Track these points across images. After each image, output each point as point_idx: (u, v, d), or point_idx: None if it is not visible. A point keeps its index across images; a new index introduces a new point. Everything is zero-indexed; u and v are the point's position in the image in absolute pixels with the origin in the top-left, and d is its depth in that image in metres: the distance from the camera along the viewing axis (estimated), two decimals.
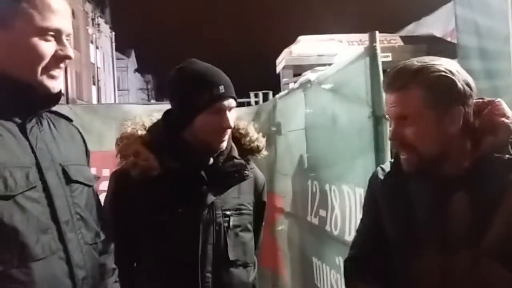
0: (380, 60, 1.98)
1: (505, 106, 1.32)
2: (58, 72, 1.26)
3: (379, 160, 1.92)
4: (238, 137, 1.87)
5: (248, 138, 1.87)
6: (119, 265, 1.48)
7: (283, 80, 6.34)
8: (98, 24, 33.20)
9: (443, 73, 1.27)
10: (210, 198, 1.69)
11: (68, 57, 1.25)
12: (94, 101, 28.93)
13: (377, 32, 2.01)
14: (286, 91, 3.80)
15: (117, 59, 41.68)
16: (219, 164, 1.73)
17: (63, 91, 1.33)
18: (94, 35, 30.55)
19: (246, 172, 1.78)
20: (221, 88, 1.66)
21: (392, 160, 1.48)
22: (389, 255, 1.43)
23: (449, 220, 1.28)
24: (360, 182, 2.07)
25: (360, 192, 2.08)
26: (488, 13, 3.21)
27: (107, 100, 32.97)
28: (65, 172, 1.27)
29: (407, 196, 1.39)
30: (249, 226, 1.80)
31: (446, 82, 1.26)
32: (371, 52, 1.99)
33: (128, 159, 1.68)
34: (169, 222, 1.65)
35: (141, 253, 1.70)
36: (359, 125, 2.07)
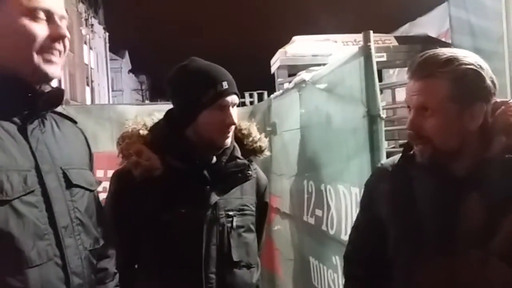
0: (375, 59, 1.99)
1: None
2: (56, 57, 1.20)
3: (374, 160, 1.93)
4: (240, 138, 1.86)
5: (251, 139, 1.86)
6: (119, 267, 1.47)
7: (278, 80, 6.33)
8: (92, 25, 33.05)
9: (472, 67, 1.23)
10: (214, 198, 1.68)
11: (62, 36, 1.20)
12: (88, 102, 28.79)
13: (371, 32, 2.02)
14: (281, 91, 3.80)
15: (111, 59, 41.54)
16: (222, 164, 1.72)
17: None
18: (87, 36, 30.40)
19: (250, 172, 1.78)
20: (225, 84, 1.66)
21: (401, 154, 1.44)
22: (388, 252, 1.41)
23: (457, 219, 1.26)
24: (356, 181, 2.08)
25: (356, 192, 2.08)
26: (482, 13, 3.23)
27: (101, 101, 32.83)
28: (65, 176, 1.23)
29: (414, 192, 1.36)
30: (252, 227, 1.79)
31: (474, 76, 1.23)
32: (365, 52, 1.99)
33: (130, 159, 1.66)
34: (172, 222, 1.63)
35: (143, 253, 1.68)
36: (354, 125, 2.07)
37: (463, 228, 1.25)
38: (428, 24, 7.08)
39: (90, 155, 1.45)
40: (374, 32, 2.07)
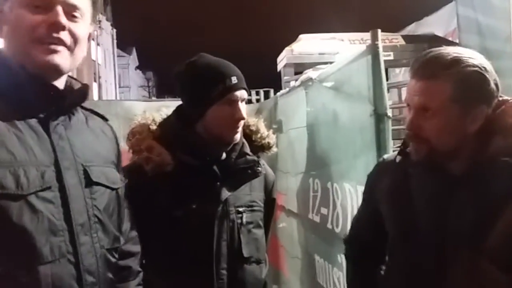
0: (382, 58, 1.98)
1: None
2: (59, 46, 1.17)
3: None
4: (249, 134, 1.86)
5: (259, 135, 1.86)
6: None
7: (284, 78, 6.33)
8: (99, 21, 33.13)
9: (477, 69, 1.20)
10: (224, 194, 1.68)
11: (57, 23, 1.15)
12: (95, 98, 28.83)
13: (379, 30, 2.02)
14: (287, 89, 3.80)
15: (118, 56, 41.59)
16: (231, 160, 1.72)
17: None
18: (95, 32, 30.43)
19: (259, 168, 1.78)
20: (234, 79, 1.66)
21: (398, 151, 1.44)
22: (386, 246, 1.46)
23: (448, 218, 1.25)
24: (362, 180, 2.07)
25: (362, 190, 2.08)
26: (490, 12, 3.21)
27: (108, 97, 32.91)
28: (86, 173, 1.22)
29: (411, 190, 1.36)
30: (261, 223, 1.80)
31: (479, 79, 1.20)
32: (373, 50, 1.99)
33: (141, 154, 1.66)
34: (183, 218, 1.63)
35: (153, 249, 1.66)
36: (361, 123, 2.07)
37: (453, 227, 1.24)
38: (435, 24, 7.05)
39: (118, 153, 1.43)
40: (381, 31, 2.06)
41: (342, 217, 2.34)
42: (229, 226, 1.68)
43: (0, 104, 1.12)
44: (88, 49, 1.33)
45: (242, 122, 1.73)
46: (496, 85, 1.23)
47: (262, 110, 4.00)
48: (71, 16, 1.19)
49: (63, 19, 1.16)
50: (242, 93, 1.70)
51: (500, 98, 1.28)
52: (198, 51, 1.82)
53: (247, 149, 1.79)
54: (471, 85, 1.21)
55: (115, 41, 39.62)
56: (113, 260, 1.28)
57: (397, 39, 6.17)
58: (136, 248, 1.46)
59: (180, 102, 1.84)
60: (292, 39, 7.36)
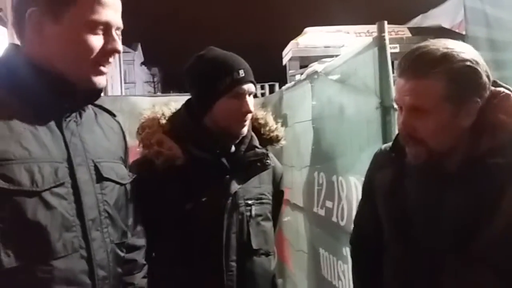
0: (389, 50, 1.97)
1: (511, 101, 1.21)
2: (106, 67, 1.24)
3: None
4: (257, 127, 1.87)
5: (267, 128, 1.88)
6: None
7: (290, 72, 6.32)
8: None
9: (468, 63, 1.16)
10: (234, 187, 1.69)
11: (117, 51, 1.23)
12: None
13: (385, 22, 2.00)
14: (292, 82, 3.79)
15: (124, 52, 41.56)
16: (241, 153, 1.74)
17: None
18: None
19: (268, 161, 1.79)
20: (241, 72, 1.67)
21: (391, 146, 1.41)
22: (383, 242, 1.44)
23: (442, 219, 1.23)
24: None
25: None
26: (498, 4, 3.17)
27: (114, 93, 32.92)
28: (97, 169, 1.24)
29: (404, 187, 1.33)
30: (269, 215, 1.81)
31: (471, 74, 1.16)
32: (380, 43, 1.97)
33: (152, 148, 1.67)
34: (194, 210, 1.65)
35: (163, 242, 1.69)
36: (367, 116, 2.06)
37: (444, 227, 1.22)
38: (441, 15, 6.99)
39: (126, 148, 1.46)
40: (387, 23, 2.05)
41: (347, 210, 2.33)
42: (238, 219, 1.70)
43: (15, 101, 1.14)
44: None
45: (249, 116, 1.74)
46: (488, 76, 1.19)
47: (267, 104, 3.99)
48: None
49: (120, 47, 1.24)
50: (249, 87, 1.71)
51: (492, 88, 1.23)
52: (202, 46, 1.83)
53: (256, 142, 1.79)
54: (463, 81, 1.16)
55: (120, 37, 39.64)
56: (121, 254, 1.30)
57: (403, 31, 6.12)
58: (141, 241, 1.48)
59: (185, 97, 1.85)
60: (297, 32, 7.33)
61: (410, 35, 5.95)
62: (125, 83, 40.50)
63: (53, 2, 1.16)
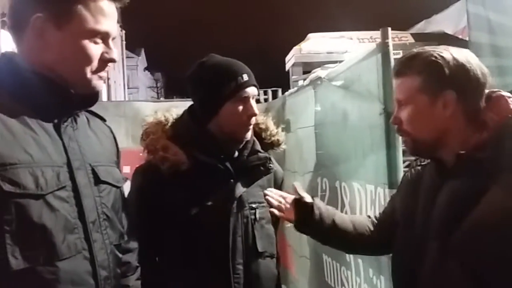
0: (392, 56, 1.97)
1: (503, 101, 1.28)
2: (103, 74, 1.28)
3: (390, 157, 1.91)
4: (258, 132, 1.90)
5: (268, 132, 1.90)
6: (144, 260, 1.51)
7: (293, 78, 6.34)
8: None
9: (432, 58, 1.30)
10: (239, 191, 1.72)
11: (113, 60, 1.28)
12: (104, 99, 28.99)
13: (389, 29, 2.00)
14: (295, 88, 3.79)
15: (127, 57, 41.75)
16: (244, 157, 1.77)
17: None
18: None
19: (271, 165, 1.83)
20: (245, 76, 1.71)
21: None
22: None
23: (432, 208, 1.32)
24: (371, 179, 2.06)
25: (371, 189, 2.06)
26: (501, 10, 3.18)
27: (117, 98, 33.06)
28: (94, 173, 1.27)
29: (419, 177, 1.45)
30: (272, 218, 1.83)
31: (436, 67, 1.29)
32: (383, 49, 1.97)
33: (157, 154, 1.69)
34: (200, 215, 1.67)
35: (169, 247, 1.70)
36: (370, 122, 2.06)
37: (434, 217, 1.31)
38: (444, 21, 6.99)
39: (118, 152, 1.49)
40: (391, 29, 2.05)
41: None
42: (243, 222, 1.72)
43: (15, 105, 1.17)
44: None
45: (254, 119, 1.77)
46: (469, 72, 1.28)
47: (270, 110, 3.99)
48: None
49: (117, 57, 1.30)
50: (253, 90, 1.74)
51: (490, 92, 1.32)
52: (205, 51, 1.85)
53: (258, 147, 1.82)
54: (431, 73, 1.30)
55: (124, 42, 39.81)
56: (119, 255, 1.33)
57: (406, 37, 6.13)
58: (134, 244, 1.50)
59: (188, 103, 1.86)
60: (300, 38, 7.35)
61: (413, 41, 5.95)
62: (128, 88, 40.63)
63: (59, 10, 1.19)
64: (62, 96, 1.22)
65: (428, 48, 1.36)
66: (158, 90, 51.71)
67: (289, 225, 3.55)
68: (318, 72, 3.11)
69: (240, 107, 1.71)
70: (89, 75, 1.23)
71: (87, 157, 1.26)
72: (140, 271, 1.50)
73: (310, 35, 7.27)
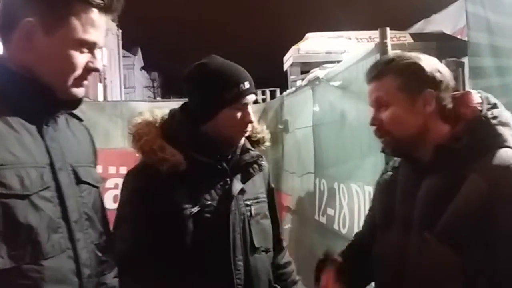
0: None
1: (471, 96, 1.40)
2: (85, 82, 1.29)
3: (388, 158, 1.89)
4: None
5: (254, 130, 1.92)
6: (137, 261, 1.57)
7: (291, 78, 6.32)
8: None
9: (411, 60, 1.40)
10: (235, 189, 1.74)
11: (98, 70, 1.30)
12: (101, 98, 28.91)
13: (387, 29, 2.00)
14: (293, 88, 3.78)
15: (124, 57, 41.75)
16: (237, 156, 1.79)
17: None
18: None
19: (263, 162, 1.86)
20: (247, 84, 1.72)
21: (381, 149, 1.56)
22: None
23: (412, 204, 1.39)
24: (370, 180, 2.05)
25: (369, 190, 2.05)
26: (500, 10, 3.16)
27: (113, 98, 32.92)
28: (75, 173, 1.29)
29: (394, 179, 1.52)
30: (267, 213, 1.87)
31: (415, 67, 1.39)
32: (382, 49, 1.97)
33: (155, 155, 1.68)
34: (201, 214, 1.68)
35: (170, 247, 1.69)
36: (369, 123, 2.04)
37: (417, 211, 1.38)
38: (443, 21, 6.98)
39: (95, 152, 1.51)
40: (389, 29, 2.04)
41: (348, 218, 2.32)
42: (241, 219, 1.75)
43: (1, 107, 1.18)
44: None
45: (250, 126, 1.79)
46: (439, 71, 1.40)
47: (268, 110, 3.98)
48: None
49: (101, 66, 1.33)
50: (252, 97, 1.77)
51: (460, 91, 1.46)
52: (203, 51, 1.83)
53: (248, 145, 1.85)
54: (410, 73, 1.39)
55: (120, 42, 39.78)
56: (99, 254, 1.35)
57: (405, 37, 6.10)
58: (111, 243, 1.51)
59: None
60: (299, 38, 7.34)
61: (412, 41, 5.91)
62: (125, 88, 40.61)
63: (50, 16, 1.20)
64: (45, 98, 1.23)
65: (402, 53, 1.47)
66: (154, 90, 51.71)
67: (286, 226, 3.55)
68: (316, 72, 3.10)
69: (239, 114, 1.71)
70: (70, 82, 1.25)
71: (68, 158, 1.28)
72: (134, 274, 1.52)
73: (308, 35, 7.25)
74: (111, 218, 3.40)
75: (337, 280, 1.52)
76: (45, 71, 1.22)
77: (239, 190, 1.76)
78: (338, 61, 3.32)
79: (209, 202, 1.70)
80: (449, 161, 1.33)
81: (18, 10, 1.20)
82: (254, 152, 1.84)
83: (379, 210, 1.57)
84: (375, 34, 2.05)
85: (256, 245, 1.78)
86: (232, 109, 1.70)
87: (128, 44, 45.41)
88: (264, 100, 4.47)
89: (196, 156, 1.69)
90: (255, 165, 1.83)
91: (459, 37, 5.86)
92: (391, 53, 1.52)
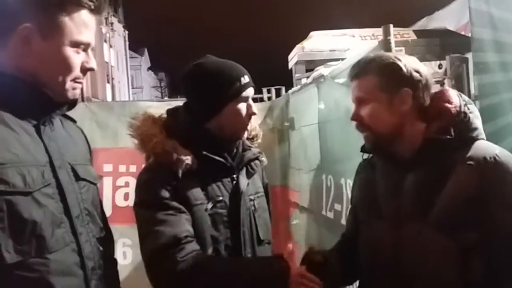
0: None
1: (450, 93, 1.50)
2: (81, 82, 1.35)
3: None
4: None
5: (249, 128, 1.95)
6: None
7: (296, 76, 6.32)
8: (112, 23, 33.38)
9: (390, 60, 1.49)
10: (243, 185, 1.80)
11: (93, 69, 1.35)
12: (109, 99, 29.01)
13: (391, 26, 2.02)
14: (298, 86, 3.81)
15: (131, 57, 41.86)
16: (240, 153, 1.84)
17: None
18: (107, 34, 30.72)
19: (263, 159, 1.92)
20: (246, 77, 1.77)
21: (361, 148, 1.65)
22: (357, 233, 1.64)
23: (400, 197, 1.47)
24: None
25: None
26: (504, 5, 3.17)
27: (121, 98, 33.08)
28: (74, 171, 1.35)
29: (372, 177, 1.62)
30: (266, 206, 1.94)
31: (394, 67, 1.48)
32: (385, 46, 2.00)
33: (170, 156, 1.68)
34: (213, 210, 1.72)
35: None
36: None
37: (405, 205, 1.46)
38: (446, 18, 6.95)
39: (90, 152, 1.58)
40: (392, 26, 2.06)
41: None
42: (247, 214, 1.80)
43: (1, 109, 1.23)
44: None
45: (253, 118, 1.83)
46: (417, 71, 1.49)
47: (274, 108, 4.01)
48: None
49: (95, 66, 1.37)
50: (252, 90, 1.81)
51: (438, 90, 1.55)
52: (209, 50, 1.85)
53: (247, 142, 1.90)
54: (389, 72, 1.48)
55: (127, 42, 39.86)
56: (101, 248, 1.40)
57: (408, 34, 6.08)
58: (111, 238, 1.57)
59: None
60: (303, 36, 7.34)
61: (415, 37, 5.91)
62: (132, 88, 40.71)
63: (46, 20, 1.25)
64: (42, 99, 1.29)
65: (383, 53, 1.57)
66: (162, 90, 51.77)
67: (294, 222, 3.58)
68: (321, 70, 3.13)
69: (242, 108, 1.76)
70: (68, 84, 1.31)
71: (66, 157, 1.34)
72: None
73: (312, 33, 7.25)
74: (122, 215, 3.46)
75: (316, 275, 1.58)
76: (43, 74, 1.27)
77: (246, 185, 1.81)
78: (343, 59, 3.36)
79: (220, 198, 1.74)
80: (436, 154, 1.42)
81: (14, 17, 1.24)
82: (255, 149, 1.90)
83: (360, 206, 1.66)
84: (379, 31, 2.09)
85: (262, 238, 1.84)
86: (236, 103, 1.75)
87: (135, 45, 45.55)
88: (269, 98, 4.49)
89: (208, 155, 1.72)
90: (257, 161, 1.90)
91: (462, 33, 5.84)
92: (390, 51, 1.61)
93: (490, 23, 3.27)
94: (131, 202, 3.79)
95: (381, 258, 1.51)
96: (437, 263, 1.38)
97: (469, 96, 2.99)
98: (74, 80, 1.32)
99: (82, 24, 1.29)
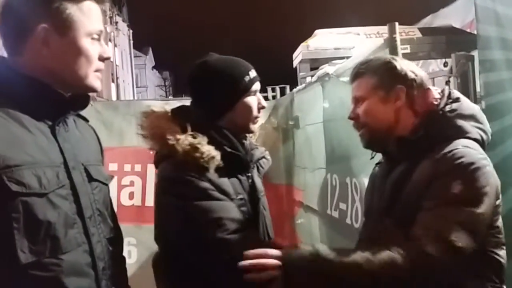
0: (400, 51, 1.98)
1: (431, 92, 1.56)
2: (101, 72, 1.37)
3: None
4: None
5: None
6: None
7: (300, 74, 6.33)
8: (116, 22, 33.47)
9: (386, 60, 1.59)
10: (258, 182, 1.83)
11: (109, 58, 1.38)
12: (114, 98, 29.12)
13: (396, 24, 2.01)
14: (303, 84, 3.80)
15: (135, 56, 41.94)
16: (249, 151, 1.83)
17: None
18: (112, 33, 30.80)
19: (269, 157, 1.94)
20: (253, 71, 1.79)
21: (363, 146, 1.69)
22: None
23: (380, 195, 1.57)
24: None
25: None
26: (509, 2, 3.15)
27: (126, 97, 33.18)
28: (87, 171, 1.36)
29: (375, 175, 1.71)
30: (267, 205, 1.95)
31: (388, 66, 1.56)
32: (391, 44, 1.99)
33: (199, 153, 1.63)
34: (238, 207, 1.71)
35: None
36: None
37: (382, 200, 1.54)
38: (451, 15, 6.92)
39: (102, 151, 1.58)
40: (397, 24, 2.05)
41: (361, 212, 2.34)
42: (262, 213, 1.82)
43: (13, 109, 1.24)
44: None
45: (262, 111, 1.84)
46: (412, 71, 1.55)
47: (279, 107, 4.01)
48: None
49: (110, 54, 1.40)
50: (259, 84, 1.82)
51: (425, 88, 1.57)
52: (213, 49, 1.85)
53: (253, 141, 1.91)
54: (383, 71, 1.56)
55: (131, 41, 39.94)
56: (111, 248, 1.41)
57: (413, 31, 6.06)
58: (120, 237, 1.57)
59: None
60: (307, 34, 7.34)
61: (420, 35, 5.88)
62: (137, 87, 40.81)
63: (60, 18, 1.27)
64: (56, 100, 1.30)
65: (379, 55, 1.67)
66: (166, 89, 51.87)
67: (299, 221, 3.58)
68: (325, 68, 3.12)
69: (253, 101, 1.78)
70: (90, 75, 1.33)
71: (80, 157, 1.35)
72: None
73: (317, 32, 7.24)
74: (127, 214, 3.47)
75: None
76: (66, 71, 1.29)
77: (261, 183, 1.84)
78: (347, 57, 3.35)
79: (241, 196, 1.74)
80: (408, 152, 1.49)
81: (31, 18, 1.26)
82: (261, 148, 1.92)
83: (364, 202, 1.76)
84: (384, 29, 2.07)
85: (270, 235, 1.85)
86: (246, 98, 1.76)
87: (139, 44, 45.64)
88: (274, 97, 4.48)
89: (231, 151, 1.69)
90: (265, 160, 1.91)
91: (468, 30, 5.82)
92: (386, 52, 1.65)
93: (496, 20, 3.25)
94: (136, 201, 3.85)
95: (364, 243, 1.60)
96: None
97: (475, 94, 2.98)
98: (96, 70, 1.34)
99: (91, 14, 1.32)
